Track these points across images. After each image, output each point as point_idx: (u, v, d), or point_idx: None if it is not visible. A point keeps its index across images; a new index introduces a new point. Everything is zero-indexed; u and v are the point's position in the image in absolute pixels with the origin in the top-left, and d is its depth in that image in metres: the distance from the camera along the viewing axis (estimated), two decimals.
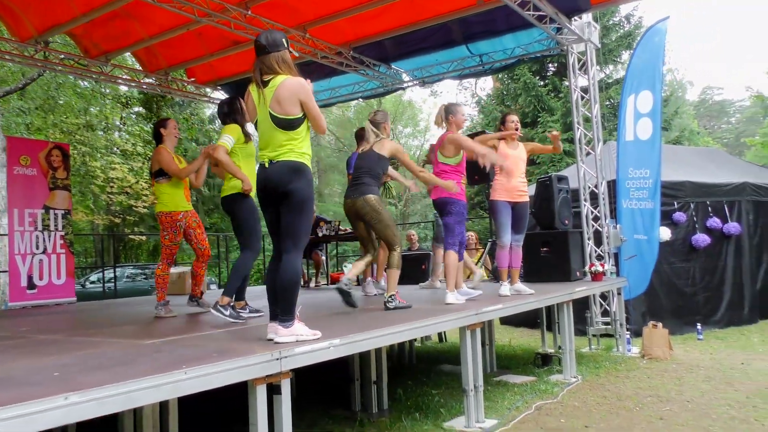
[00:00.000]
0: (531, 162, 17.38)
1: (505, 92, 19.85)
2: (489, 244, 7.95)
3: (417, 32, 8.62)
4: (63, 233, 8.26)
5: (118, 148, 20.12)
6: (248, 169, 4.73)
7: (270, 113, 3.25)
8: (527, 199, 5.91)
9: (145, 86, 10.02)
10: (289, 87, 3.22)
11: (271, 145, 3.28)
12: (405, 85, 10.29)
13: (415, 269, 8.48)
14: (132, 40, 8.47)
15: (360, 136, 6.34)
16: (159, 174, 5.12)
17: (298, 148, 3.25)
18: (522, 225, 5.92)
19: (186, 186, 5.36)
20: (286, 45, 3.33)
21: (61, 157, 8.38)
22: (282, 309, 3.18)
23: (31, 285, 7.86)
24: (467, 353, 4.35)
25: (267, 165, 3.26)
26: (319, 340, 3.14)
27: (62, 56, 9.16)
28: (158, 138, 5.23)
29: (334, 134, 37.22)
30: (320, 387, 5.69)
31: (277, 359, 2.86)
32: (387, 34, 8.62)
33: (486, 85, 27.28)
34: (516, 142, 5.95)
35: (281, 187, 3.21)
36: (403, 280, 7.33)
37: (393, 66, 9.74)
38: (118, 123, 17.09)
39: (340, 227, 9.49)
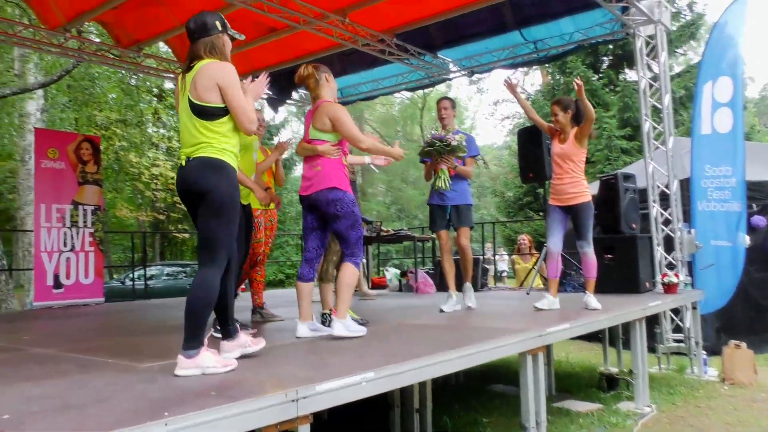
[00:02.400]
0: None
1: (555, 87, 18.91)
2: (544, 248, 7.18)
3: (465, 17, 7.89)
4: (92, 230, 7.88)
5: (164, 145, 19.98)
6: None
7: (189, 99, 2.83)
8: (583, 200, 5.15)
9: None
10: (207, 69, 2.81)
11: (189, 140, 2.84)
12: (452, 75, 9.59)
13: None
14: (163, 28, 8.02)
15: None
16: None
17: (218, 143, 2.79)
18: (583, 229, 5.18)
19: (268, 183, 5.02)
20: (219, 28, 2.93)
21: (91, 150, 8.00)
22: (186, 334, 2.66)
23: (57, 284, 7.49)
24: (528, 383, 3.65)
25: (184, 163, 2.83)
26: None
27: (94, 46, 8.81)
28: None
29: (378, 132, 36.71)
30: (351, 413, 5.07)
31: (293, 401, 2.24)
32: (433, 19, 7.91)
33: (535, 80, 26.27)
34: (566, 133, 5.19)
35: (196, 187, 2.76)
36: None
37: (439, 55, 9.05)
38: (150, 117, 16.86)
39: (382, 228, 8.88)
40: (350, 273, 3.73)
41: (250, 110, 2.85)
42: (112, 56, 8.77)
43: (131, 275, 15.54)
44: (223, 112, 2.81)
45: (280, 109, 11.37)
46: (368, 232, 8.52)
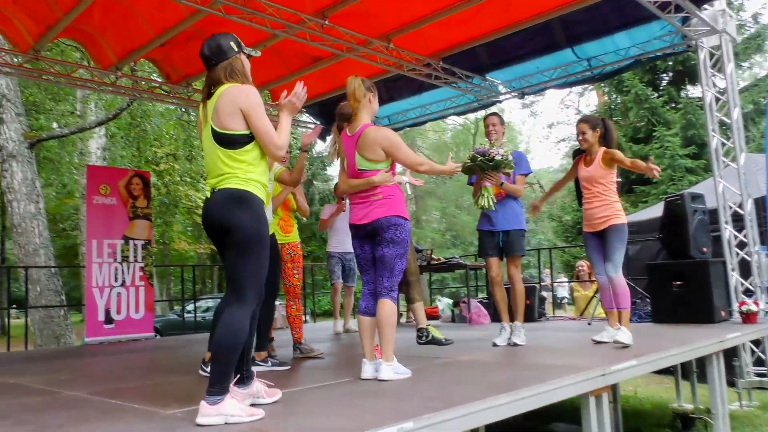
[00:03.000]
0: (645, 181, 15.72)
1: (612, 107, 18.27)
2: None
3: (514, 37, 7.63)
4: (142, 265, 7.91)
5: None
6: None
7: (211, 128, 2.67)
8: (615, 222, 4.66)
9: None
10: (228, 94, 2.63)
11: (213, 170, 2.68)
12: (502, 97, 9.29)
13: None
14: None
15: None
16: None
17: (243, 173, 2.62)
18: (610, 250, 4.65)
19: (285, 215, 4.85)
20: (237, 49, 2.78)
21: (142, 185, 8.08)
22: (211, 379, 2.47)
23: (108, 319, 7.51)
24: (591, 426, 3.26)
25: (209, 195, 2.69)
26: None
27: (145, 83, 8.99)
28: None
29: (432, 159, 36.60)
30: None
31: None
32: (480, 40, 7.68)
33: (591, 100, 25.63)
34: (593, 154, 4.82)
35: (221, 222, 2.59)
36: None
37: (488, 77, 8.79)
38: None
39: (433, 256, 8.59)
40: (390, 311, 3.48)
41: (282, 134, 2.67)
42: (163, 92, 8.91)
43: (188, 308, 15.76)
44: (248, 139, 2.64)
45: (328, 138, 11.31)
46: (418, 261, 8.25)
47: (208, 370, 3.46)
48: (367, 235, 3.61)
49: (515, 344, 4.87)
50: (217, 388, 2.43)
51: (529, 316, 7.15)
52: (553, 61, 8.20)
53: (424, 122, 10.59)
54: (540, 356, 4.25)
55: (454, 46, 7.85)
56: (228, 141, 2.62)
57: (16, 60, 7.52)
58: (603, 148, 4.75)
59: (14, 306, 23.53)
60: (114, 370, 4.59)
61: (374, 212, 3.54)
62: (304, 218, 6.36)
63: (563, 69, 8.31)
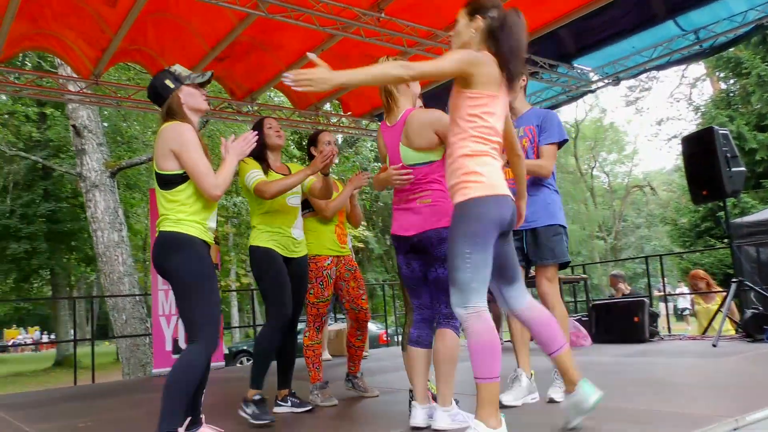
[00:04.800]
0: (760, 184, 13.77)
1: (730, 93, 16.34)
2: (734, 285, 5.50)
3: (603, 13, 6.63)
4: None
5: None
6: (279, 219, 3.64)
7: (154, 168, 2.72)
8: (458, 199, 2.49)
9: (296, 125, 9.23)
10: (160, 135, 2.65)
11: (159, 210, 2.69)
12: (594, 86, 8.21)
13: (624, 322, 6.26)
14: (270, 74, 7.68)
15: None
16: (305, 205, 3.92)
17: (174, 213, 2.61)
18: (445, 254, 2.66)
19: (341, 223, 4.15)
20: (172, 86, 2.73)
21: None
22: (161, 413, 2.45)
23: (176, 349, 7.18)
24: None
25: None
26: None
27: (215, 102, 8.76)
28: (312, 159, 3.92)
29: None
30: None
31: None
32: (562, 21, 6.72)
33: (705, 89, 23.36)
34: None
35: (157, 268, 2.64)
36: (602, 336, 5.36)
37: (575, 65, 7.78)
38: None
39: None
40: (452, 343, 2.78)
41: (221, 174, 2.63)
42: (232, 110, 8.64)
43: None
44: (182, 179, 2.63)
45: None
46: None
47: (248, 410, 3.24)
48: (413, 249, 2.89)
49: (551, 399, 3.28)
50: (163, 425, 2.40)
51: (637, 337, 6.03)
52: (653, 37, 7.10)
53: None
54: (643, 395, 3.28)
55: (533, 31, 6.91)
56: (164, 182, 2.64)
57: (80, 87, 7.50)
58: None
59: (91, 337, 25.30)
60: (139, 415, 4.08)
61: (422, 222, 2.83)
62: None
63: (665, 46, 7.18)
